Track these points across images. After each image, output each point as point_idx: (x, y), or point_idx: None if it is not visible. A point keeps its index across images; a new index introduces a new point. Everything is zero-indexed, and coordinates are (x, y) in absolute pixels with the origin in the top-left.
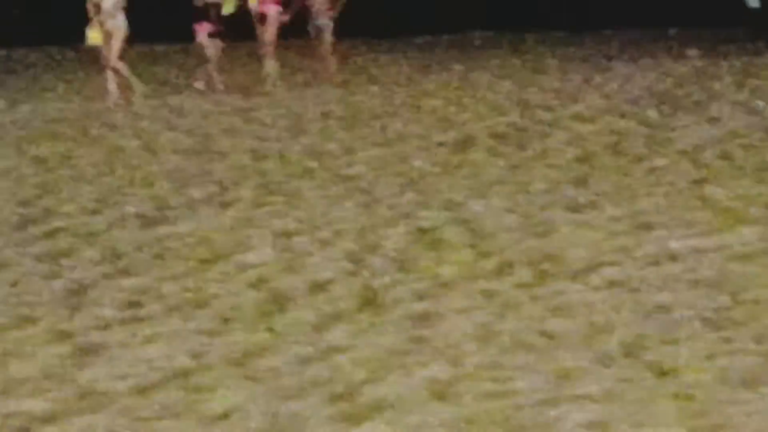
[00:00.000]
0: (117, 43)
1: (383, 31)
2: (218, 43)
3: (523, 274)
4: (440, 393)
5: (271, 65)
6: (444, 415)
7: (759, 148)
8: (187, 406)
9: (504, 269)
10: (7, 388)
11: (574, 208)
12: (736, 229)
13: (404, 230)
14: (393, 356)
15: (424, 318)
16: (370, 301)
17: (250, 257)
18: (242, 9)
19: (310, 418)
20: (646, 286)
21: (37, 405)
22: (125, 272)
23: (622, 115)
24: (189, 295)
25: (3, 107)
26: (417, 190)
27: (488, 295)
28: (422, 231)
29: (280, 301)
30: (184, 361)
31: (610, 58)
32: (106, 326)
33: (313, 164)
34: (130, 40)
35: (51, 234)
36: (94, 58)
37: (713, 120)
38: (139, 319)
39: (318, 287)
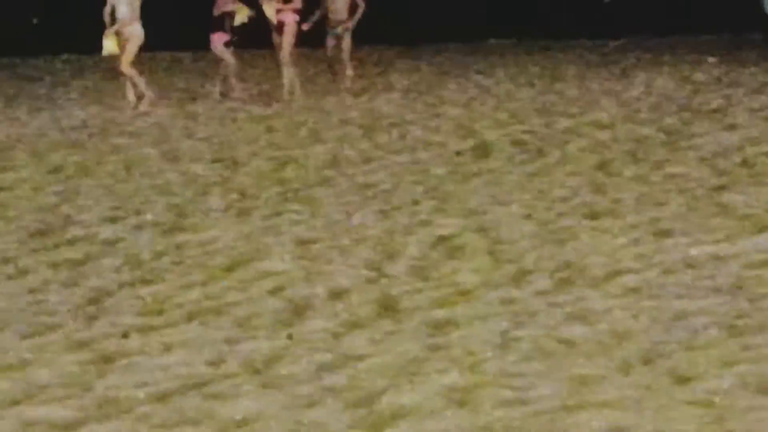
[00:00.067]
0: (131, 51)
1: (402, 39)
2: (233, 52)
3: (542, 281)
4: (459, 400)
5: (289, 73)
6: (462, 422)
7: None
8: (206, 414)
9: (523, 276)
10: (26, 395)
11: (593, 215)
12: (756, 237)
13: (423, 238)
14: (411, 363)
15: (442, 325)
16: (388, 308)
17: (269, 265)
18: (261, 18)
19: (329, 426)
20: (665, 293)
21: (56, 412)
22: (144, 280)
23: (641, 122)
24: (208, 302)
25: (22, 115)
26: (436, 198)
27: (507, 302)
28: (441, 238)
29: (298, 309)
30: (202, 368)
31: (629, 65)
32: (125, 334)
33: (332, 172)
34: (149, 48)
35: (70, 242)
36: (112, 67)
37: (732, 127)
38: (158, 327)
39: (336, 295)
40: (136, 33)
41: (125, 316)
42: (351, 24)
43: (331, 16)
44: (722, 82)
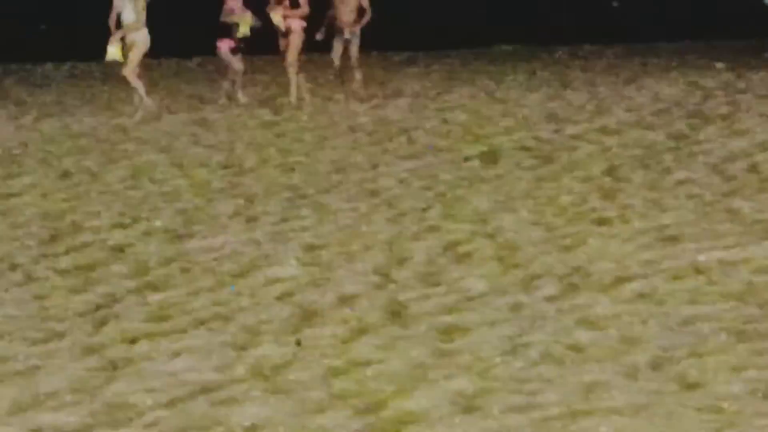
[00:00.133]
0: (135, 57)
1: (410, 45)
2: (240, 58)
3: (550, 287)
4: (467, 406)
5: (296, 79)
6: (471, 428)
7: None
8: (214, 420)
9: (531, 282)
10: (35, 402)
11: (602, 221)
12: (764, 242)
13: (431, 243)
14: (420, 369)
15: (451, 331)
16: (397, 314)
17: (278, 271)
18: (268, 23)
19: None
20: (673, 299)
21: (64, 419)
22: (152, 286)
23: (650, 128)
24: (216, 308)
25: (30, 122)
26: (444, 204)
27: (515, 308)
28: (449, 244)
29: (307, 315)
30: (211, 374)
31: (637, 71)
32: (134, 340)
33: (340, 178)
34: (156, 54)
35: (78, 248)
36: (119, 73)
37: (741, 132)
38: (167, 333)
39: (345, 301)
40: (141, 39)
41: (133, 322)
42: (358, 28)
43: (338, 22)
44: (730, 87)
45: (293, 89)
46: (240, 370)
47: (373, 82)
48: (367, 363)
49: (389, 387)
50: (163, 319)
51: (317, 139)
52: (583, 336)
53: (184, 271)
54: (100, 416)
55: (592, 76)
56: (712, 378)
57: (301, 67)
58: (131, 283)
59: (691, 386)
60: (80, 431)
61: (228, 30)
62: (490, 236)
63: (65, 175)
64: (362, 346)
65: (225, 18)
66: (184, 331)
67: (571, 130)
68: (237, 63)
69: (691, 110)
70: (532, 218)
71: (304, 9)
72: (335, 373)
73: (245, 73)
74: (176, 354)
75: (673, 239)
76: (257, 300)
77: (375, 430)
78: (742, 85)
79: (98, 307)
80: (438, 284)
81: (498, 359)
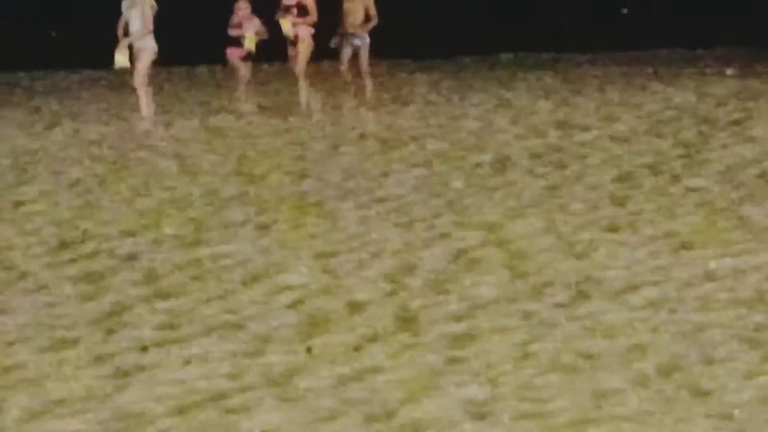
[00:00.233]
0: (143, 65)
1: (420, 53)
2: (250, 66)
3: (561, 294)
4: (477, 413)
5: (307, 86)
6: None
7: None
8: (225, 428)
9: (541, 290)
10: (45, 409)
11: (612, 228)
12: None
13: (441, 251)
14: (430, 377)
15: (461, 338)
16: (407, 321)
17: (288, 278)
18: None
19: None
20: (684, 306)
21: (74, 427)
22: (163, 294)
23: (660, 135)
24: (226, 316)
25: (40, 130)
26: (454, 211)
27: (526, 315)
28: (460, 251)
29: (317, 322)
30: (221, 382)
31: (647, 78)
32: (144, 348)
33: (351, 185)
34: (166, 62)
35: (89, 256)
36: (129, 81)
37: (751, 139)
38: (177, 341)
39: (355, 308)
40: (147, 47)
41: (144, 329)
42: (365, 33)
43: (345, 29)
44: (741, 94)
45: (303, 97)
46: (251, 378)
47: (384, 89)
48: (378, 370)
49: (400, 394)
50: (173, 326)
51: (327, 146)
52: (593, 343)
53: (195, 278)
54: (110, 424)
55: (603, 83)
56: (723, 385)
57: (311, 75)
58: (142, 291)
59: (702, 393)
60: None
61: (238, 38)
62: (501, 243)
63: (76, 182)
64: (373, 353)
65: (231, 33)
66: (194, 338)
67: (581, 137)
68: (243, 71)
69: (701, 117)
70: (543, 225)
71: (313, 16)
72: (346, 380)
73: (254, 81)
74: (187, 362)
75: (684, 246)
76: (268, 307)
77: None
78: (752, 92)
79: (109, 315)
80: (448, 291)
81: (508, 366)
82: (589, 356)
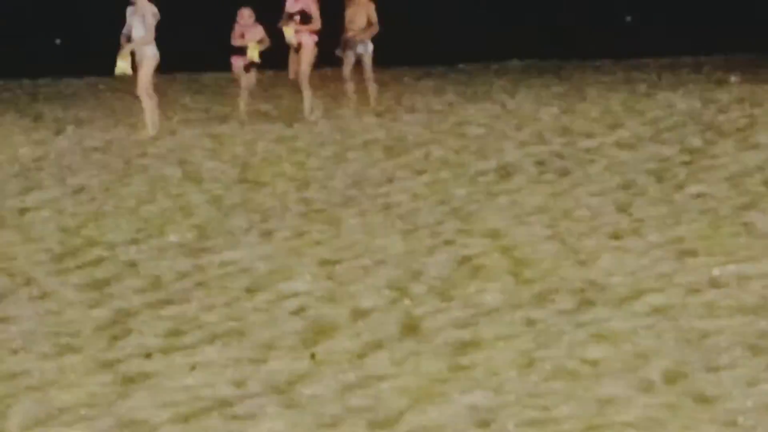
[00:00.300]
0: (144, 73)
1: (425, 60)
2: (254, 74)
3: (565, 301)
4: (482, 420)
5: (311, 94)
6: None
7: None
8: None
9: (546, 296)
10: (49, 416)
11: (616, 235)
12: None
13: (446, 258)
14: (434, 384)
15: (465, 345)
16: (411, 328)
17: (292, 285)
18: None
19: None
20: (688, 313)
21: None
22: (167, 301)
23: (664, 142)
24: (231, 323)
25: (45, 137)
26: (459, 218)
27: (530, 322)
28: (464, 258)
29: (321, 329)
30: (226, 389)
31: (651, 85)
32: (148, 355)
33: (355, 192)
34: (170, 69)
35: (93, 263)
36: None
37: (756, 146)
38: (181, 348)
39: (359, 315)
40: (149, 54)
41: (148, 336)
42: (366, 39)
43: (348, 36)
44: (746, 101)
45: (307, 104)
46: (255, 385)
47: (388, 96)
48: (382, 377)
49: (404, 401)
50: (177, 333)
51: (332, 153)
52: (597, 350)
53: (199, 285)
54: (114, 431)
55: (607, 90)
56: (727, 392)
57: (315, 82)
58: (146, 298)
59: (706, 400)
60: None
61: (242, 48)
62: (505, 250)
63: (80, 189)
64: (377, 360)
65: (235, 42)
66: (198, 345)
67: (585, 143)
68: (246, 80)
69: (705, 124)
70: (547, 232)
71: (316, 24)
72: (350, 387)
73: (259, 88)
74: (191, 368)
75: (688, 253)
76: (272, 314)
77: None
78: (757, 98)
79: (113, 322)
80: (453, 298)
81: (513, 373)
82: (593, 363)
